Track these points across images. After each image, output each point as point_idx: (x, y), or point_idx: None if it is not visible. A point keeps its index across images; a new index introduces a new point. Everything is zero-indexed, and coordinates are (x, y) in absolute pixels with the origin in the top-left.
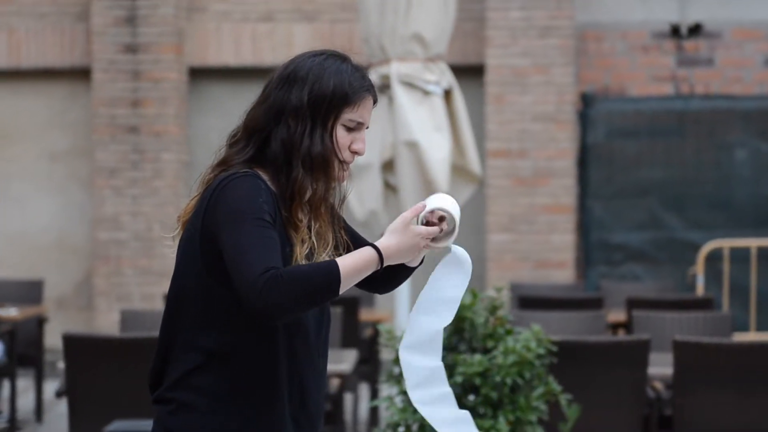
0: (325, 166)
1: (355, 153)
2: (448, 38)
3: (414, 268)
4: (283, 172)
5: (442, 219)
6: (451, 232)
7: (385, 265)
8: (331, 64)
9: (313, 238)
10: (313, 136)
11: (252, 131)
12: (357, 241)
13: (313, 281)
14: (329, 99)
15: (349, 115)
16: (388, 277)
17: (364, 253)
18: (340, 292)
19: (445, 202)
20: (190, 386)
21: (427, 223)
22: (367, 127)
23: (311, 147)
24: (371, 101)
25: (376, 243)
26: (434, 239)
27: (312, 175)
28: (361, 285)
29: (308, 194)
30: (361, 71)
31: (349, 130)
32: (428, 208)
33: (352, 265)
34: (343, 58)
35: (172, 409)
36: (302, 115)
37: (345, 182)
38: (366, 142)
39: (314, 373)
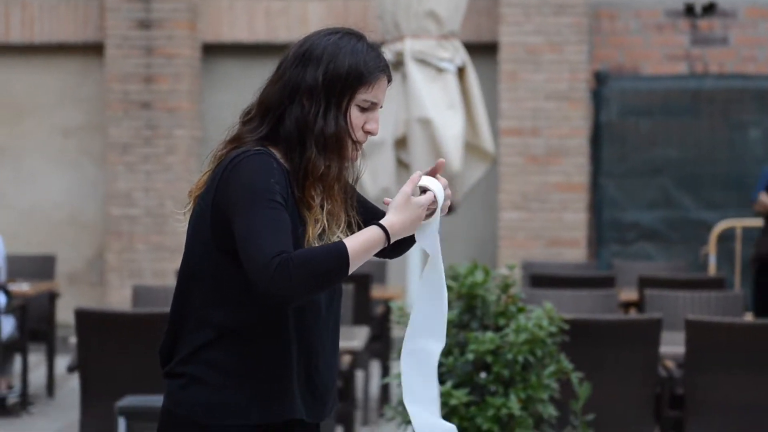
0: (338, 146)
1: (368, 133)
2: (461, 15)
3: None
4: (297, 151)
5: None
6: (432, 212)
7: (392, 241)
8: (347, 43)
9: (326, 217)
10: (327, 117)
11: (266, 109)
12: (373, 215)
13: (323, 264)
14: (344, 79)
15: (363, 96)
16: (395, 246)
17: (371, 233)
18: (350, 273)
19: (430, 181)
20: (201, 361)
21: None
22: (381, 107)
23: (325, 127)
24: (386, 81)
25: (381, 221)
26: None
27: (325, 155)
28: None
29: (321, 173)
30: (376, 50)
31: (363, 110)
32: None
33: (361, 245)
34: (358, 37)
35: (183, 383)
36: (317, 94)
37: (358, 161)
38: (379, 121)
39: (325, 348)
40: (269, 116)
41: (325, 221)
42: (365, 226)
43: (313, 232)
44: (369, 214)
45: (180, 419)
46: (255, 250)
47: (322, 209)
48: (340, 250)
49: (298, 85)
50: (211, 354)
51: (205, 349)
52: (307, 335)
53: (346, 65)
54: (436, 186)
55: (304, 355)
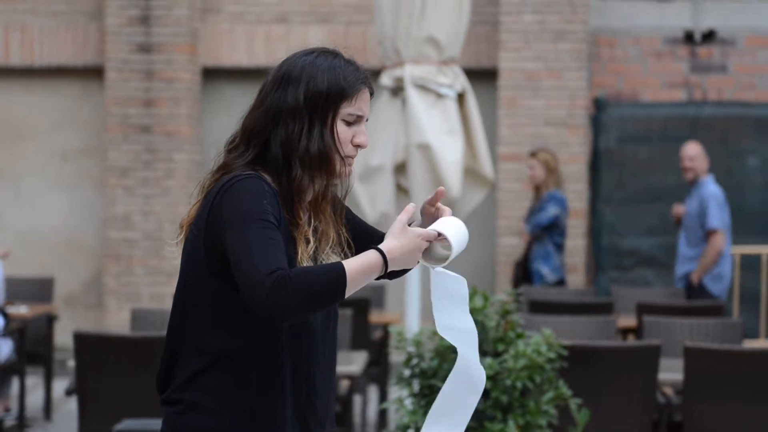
0: (324, 163)
1: (358, 146)
2: (461, 41)
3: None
4: (284, 173)
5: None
6: (446, 257)
7: (390, 268)
8: (323, 61)
9: (316, 236)
10: (311, 135)
11: (251, 135)
12: (363, 232)
13: (321, 283)
14: (325, 96)
15: (347, 110)
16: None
17: (370, 257)
18: (347, 296)
19: (448, 225)
20: (198, 387)
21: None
22: (367, 120)
23: (309, 145)
24: (368, 93)
25: (380, 246)
26: (428, 250)
27: (311, 174)
28: None
29: (309, 192)
30: (354, 65)
31: (349, 124)
32: (434, 227)
33: (359, 268)
34: (334, 54)
35: (180, 410)
36: (299, 114)
37: (348, 178)
38: (367, 134)
39: (322, 371)
40: (254, 141)
41: (315, 240)
42: (354, 243)
43: (304, 251)
44: (358, 230)
45: None
46: (250, 268)
47: (311, 228)
48: (338, 271)
49: (280, 108)
50: (208, 380)
51: (201, 375)
52: (304, 360)
53: (326, 82)
54: (451, 228)
55: (301, 379)
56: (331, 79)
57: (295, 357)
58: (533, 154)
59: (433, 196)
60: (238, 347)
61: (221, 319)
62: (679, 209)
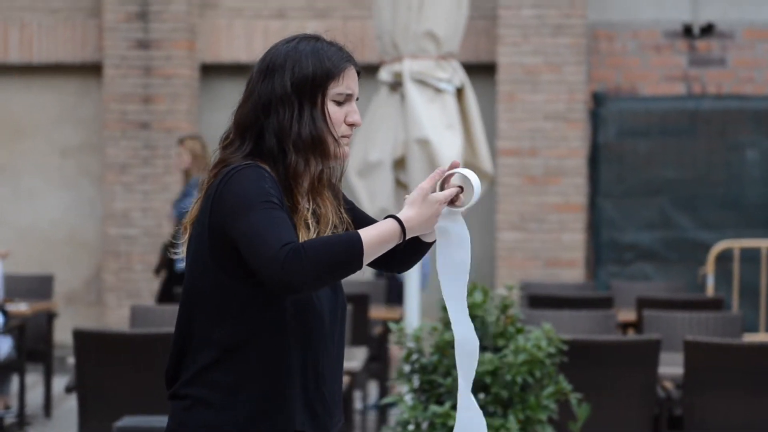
0: (317, 146)
1: (351, 125)
2: (460, 36)
3: (431, 244)
4: (280, 161)
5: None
6: (466, 202)
7: (408, 237)
8: (306, 46)
9: (315, 220)
10: (302, 119)
11: (244, 128)
12: (362, 219)
13: (335, 251)
14: (312, 78)
15: (336, 89)
16: (405, 253)
17: (387, 225)
18: (364, 264)
19: (467, 172)
20: (206, 382)
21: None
22: (357, 98)
23: (301, 130)
24: (354, 71)
25: (398, 215)
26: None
27: (305, 158)
28: (379, 264)
29: (305, 177)
30: (336, 45)
31: (340, 104)
32: (451, 172)
33: (375, 236)
34: (315, 38)
35: (187, 405)
36: (289, 101)
37: (346, 159)
38: (359, 112)
39: (330, 361)
40: (248, 134)
41: (315, 224)
42: (355, 227)
43: (305, 236)
44: (358, 219)
45: None
46: (262, 245)
47: (311, 212)
48: (353, 239)
49: (269, 98)
50: (215, 375)
51: (208, 370)
52: (312, 349)
53: (311, 65)
54: (473, 177)
55: (309, 369)
56: (316, 61)
57: (302, 346)
58: (181, 141)
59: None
60: (245, 339)
61: (228, 312)
62: None
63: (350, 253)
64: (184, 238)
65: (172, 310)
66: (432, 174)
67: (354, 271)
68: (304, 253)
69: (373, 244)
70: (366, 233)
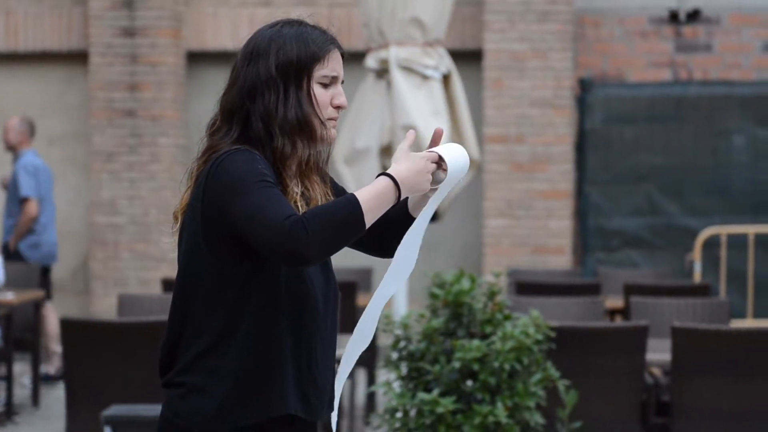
0: (304, 128)
1: (338, 108)
2: (446, 23)
3: (413, 219)
4: (267, 144)
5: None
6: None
7: (402, 194)
8: (289, 30)
9: (304, 202)
10: (287, 102)
11: (230, 114)
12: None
13: (336, 216)
14: (296, 61)
15: (321, 72)
16: (390, 225)
17: (380, 182)
18: (367, 225)
19: (448, 148)
20: (200, 369)
21: None
22: (343, 82)
23: (287, 113)
24: (338, 53)
25: (387, 171)
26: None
27: (291, 140)
28: (364, 245)
29: (293, 160)
30: (319, 28)
31: (326, 86)
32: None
33: (372, 194)
34: (299, 23)
35: (182, 393)
36: (274, 84)
37: (333, 141)
38: (345, 94)
39: (323, 345)
40: (235, 120)
41: (306, 206)
42: None
43: None
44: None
45: (179, 429)
46: (264, 220)
47: (300, 195)
48: (351, 200)
49: (254, 83)
50: (209, 362)
51: (203, 357)
52: (305, 334)
53: (295, 48)
54: (451, 152)
55: (302, 354)
56: (300, 44)
57: (296, 331)
58: None
59: (433, 137)
60: (238, 325)
61: (221, 298)
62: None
63: (351, 215)
64: (175, 228)
65: (160, 298)
66: (407, 134)
67: (358, 233)
68: (308, 222)
69: (370, 202)
70: (361, 192)
